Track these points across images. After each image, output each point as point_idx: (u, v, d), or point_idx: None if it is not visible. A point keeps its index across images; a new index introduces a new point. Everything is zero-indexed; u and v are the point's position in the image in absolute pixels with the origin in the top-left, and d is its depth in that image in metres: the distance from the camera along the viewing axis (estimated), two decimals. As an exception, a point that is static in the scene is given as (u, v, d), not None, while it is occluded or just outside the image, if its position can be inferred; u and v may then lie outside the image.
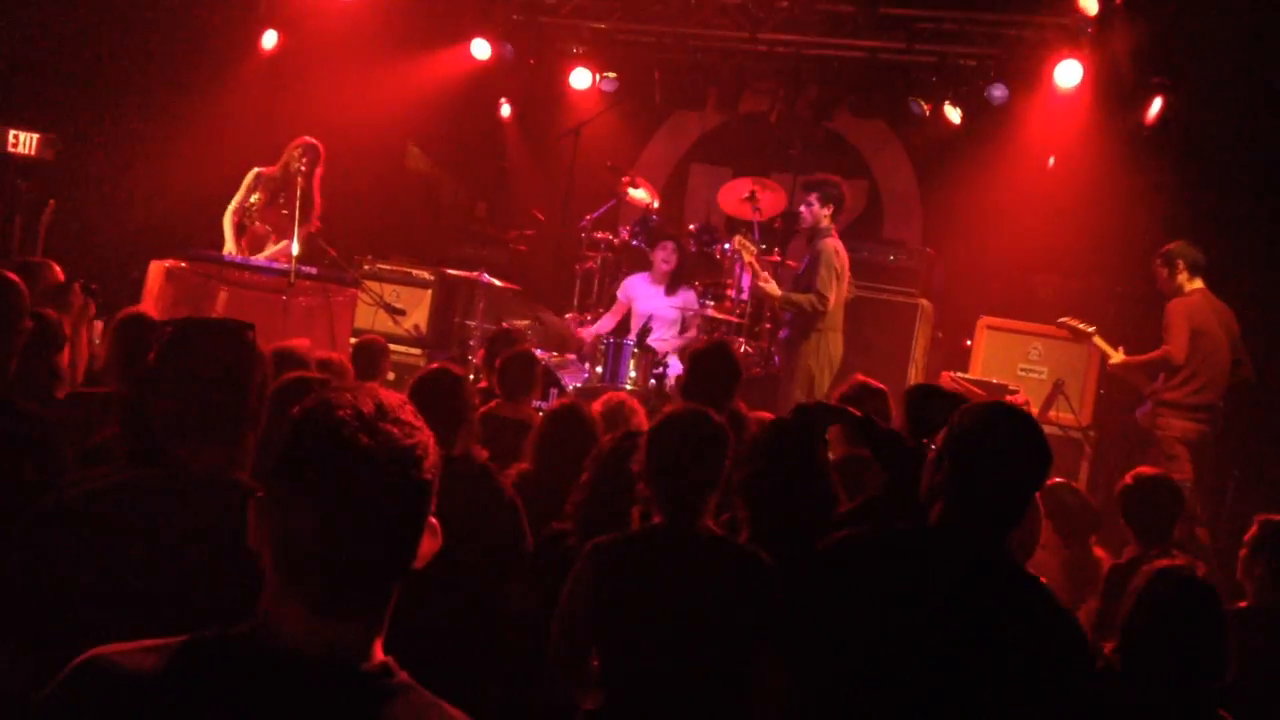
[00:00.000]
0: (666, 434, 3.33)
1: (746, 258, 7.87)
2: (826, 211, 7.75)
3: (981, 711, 2.52)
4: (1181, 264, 7.29)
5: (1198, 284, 7.33)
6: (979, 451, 2.60)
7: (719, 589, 3.18)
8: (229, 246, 7.83)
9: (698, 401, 4.00)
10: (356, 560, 1.55)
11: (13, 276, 3.32)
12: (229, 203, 7.97)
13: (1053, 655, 2.56)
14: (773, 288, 7.73)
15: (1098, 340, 7.78)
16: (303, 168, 7.60)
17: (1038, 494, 3.41)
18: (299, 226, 7.44)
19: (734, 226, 9.76)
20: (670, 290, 8.83)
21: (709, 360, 5.00)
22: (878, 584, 2.59)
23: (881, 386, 5.38)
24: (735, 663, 3.18)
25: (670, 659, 3.14)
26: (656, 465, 3.29)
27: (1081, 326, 7.82)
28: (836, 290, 7.61)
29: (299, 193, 7.50)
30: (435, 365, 4.31)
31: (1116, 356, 7.60)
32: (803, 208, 7.95)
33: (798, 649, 2.69)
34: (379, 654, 1.58)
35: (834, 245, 7.66)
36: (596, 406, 4.94)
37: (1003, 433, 2.62)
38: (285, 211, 7.78)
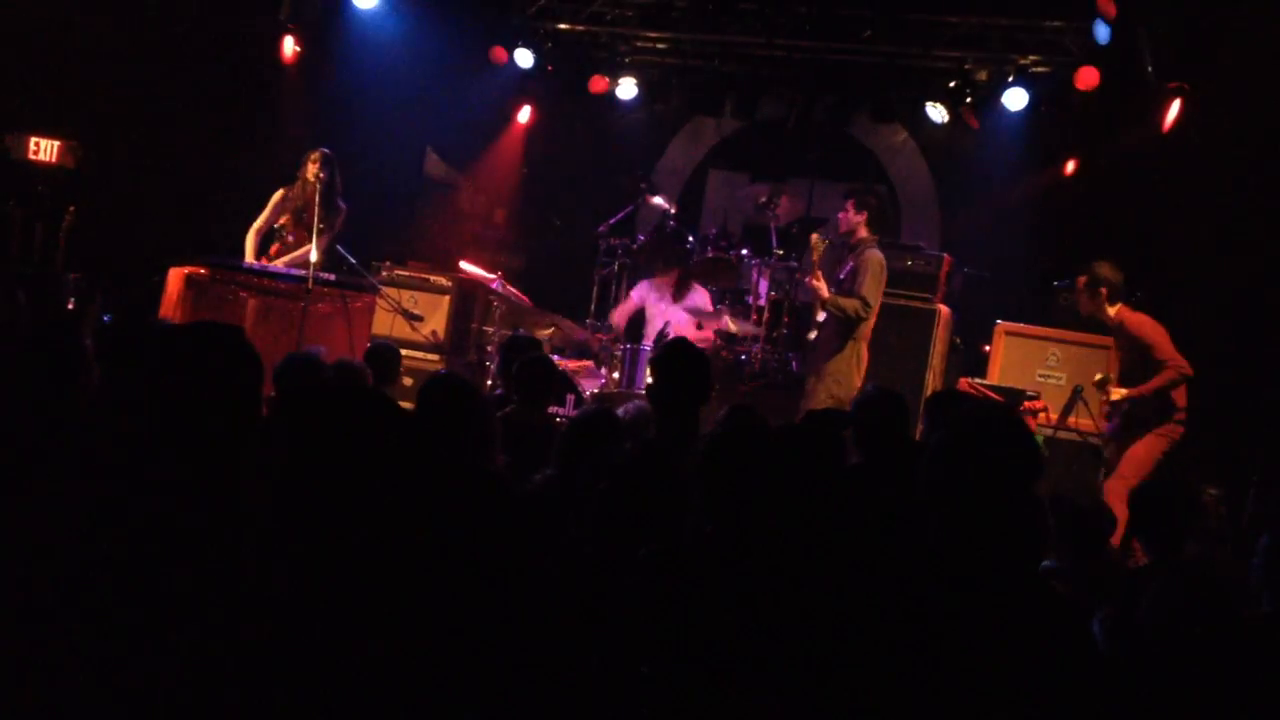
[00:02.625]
0: (724, 444, 3.30)
1: (814, 256, 7.79)
2: (861, 218, 7.71)
3: None
4: (1105, 291, 7.20)
5: (1118, 306, 7.24)
6: (968, 455, 2.57)
7: (772, 599, 3.17)
8: (249, 260, 7.83)
9: (669, 406, 3.96)
10: None
11: None
12: (247, 211, 7.98)
13: (1067, 661, 2.52)
14: (823, 289, 7.67)
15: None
16: (323, 176, 7.65)
17: (1049, 500, 3.39)
18: (319, 234, 7.47)
19: (752, 232, 9.76)
20: (677, 296, 8.82)
21: (676, 363, 4.74)
22: (902, 614, 2.56)
23: (897, 393, 5.39)
24: (785, 671, 3.18)
25: (721, 668, 3.13)
26: (711, 475, 3.26)
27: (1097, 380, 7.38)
28: (877, 299, 7.61)
29: (319, 201, 7.53)
30: (444, 370, 4.30)
31: (1119, 393, 7.15)
32: (839, 214, 7.91)
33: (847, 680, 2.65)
34: None
35: (879, 257, 7.65)
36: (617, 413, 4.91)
37: (990, 435, 2.59)
38: (309, 225, 7.79)
